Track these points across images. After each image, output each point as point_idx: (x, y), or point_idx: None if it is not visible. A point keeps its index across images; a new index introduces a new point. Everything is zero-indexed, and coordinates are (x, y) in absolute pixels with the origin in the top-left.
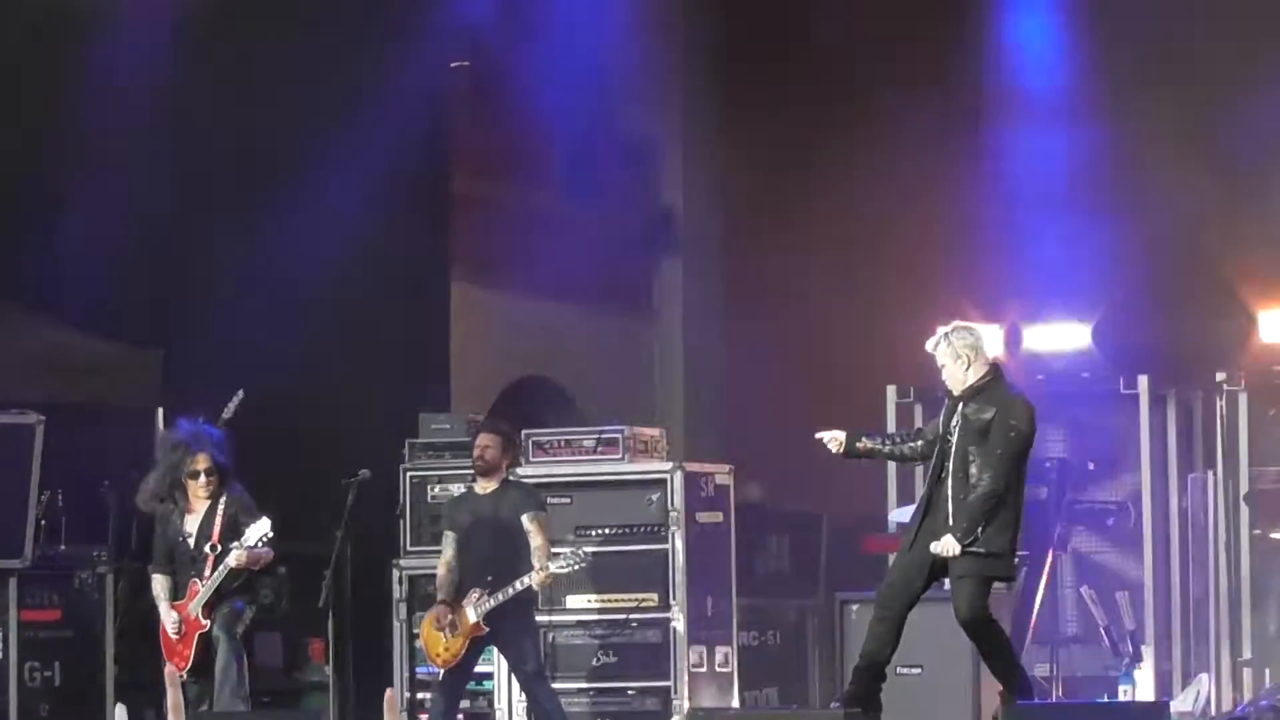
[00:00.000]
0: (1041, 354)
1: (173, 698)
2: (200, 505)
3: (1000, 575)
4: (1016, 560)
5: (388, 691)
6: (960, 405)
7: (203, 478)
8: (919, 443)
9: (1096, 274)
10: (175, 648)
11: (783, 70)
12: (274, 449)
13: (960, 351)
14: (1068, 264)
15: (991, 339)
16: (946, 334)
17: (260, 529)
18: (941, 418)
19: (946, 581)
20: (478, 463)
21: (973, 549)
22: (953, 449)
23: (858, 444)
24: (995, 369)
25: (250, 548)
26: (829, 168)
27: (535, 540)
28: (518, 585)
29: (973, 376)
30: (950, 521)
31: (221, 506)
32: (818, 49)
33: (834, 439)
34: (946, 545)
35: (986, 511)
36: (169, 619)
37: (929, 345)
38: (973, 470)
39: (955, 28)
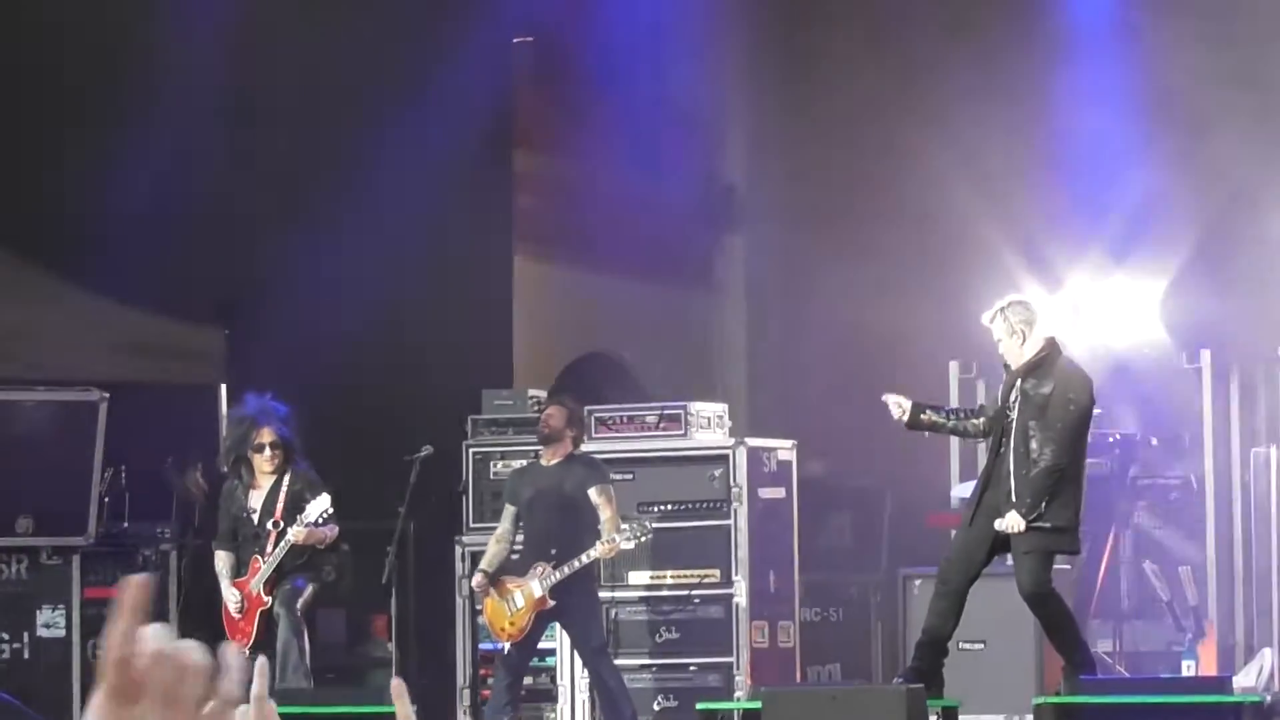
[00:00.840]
0: (1106, 328)
1: (257, 687)
2: (265, 481)
3: (1064, 549)
4: (1079, 534)
5: (394, 680)
6: (1019, 380)
7: (267, 451)
8: (981, 420)
9: (1159, 243)
10: (237, 625)
11: (843, 45)
12: (337, 426)
13: (1015, 326)
14: (1130, 232)
15: (1051, 310)
16: (1002, 308)
17: (320, 505)
18: (1000, 393)
19: (1009, 556)
20: (541, 430)
21: (1037, 524)
22: (1013, 424)
23: (922, 415)
24: (1052, 343)
25: (311, 524)
26: (890, 140)
27: (604, 513)
28: (584, 558)
29: (1029, 351)
30: (1013, 497)
31: (286, 483)
32: (878, 21)
33: (899, 405)
34: (1011, 522)
35: (1049, 487)
36: (230, 596)
37: (984, 319)
38: (1033, 445)
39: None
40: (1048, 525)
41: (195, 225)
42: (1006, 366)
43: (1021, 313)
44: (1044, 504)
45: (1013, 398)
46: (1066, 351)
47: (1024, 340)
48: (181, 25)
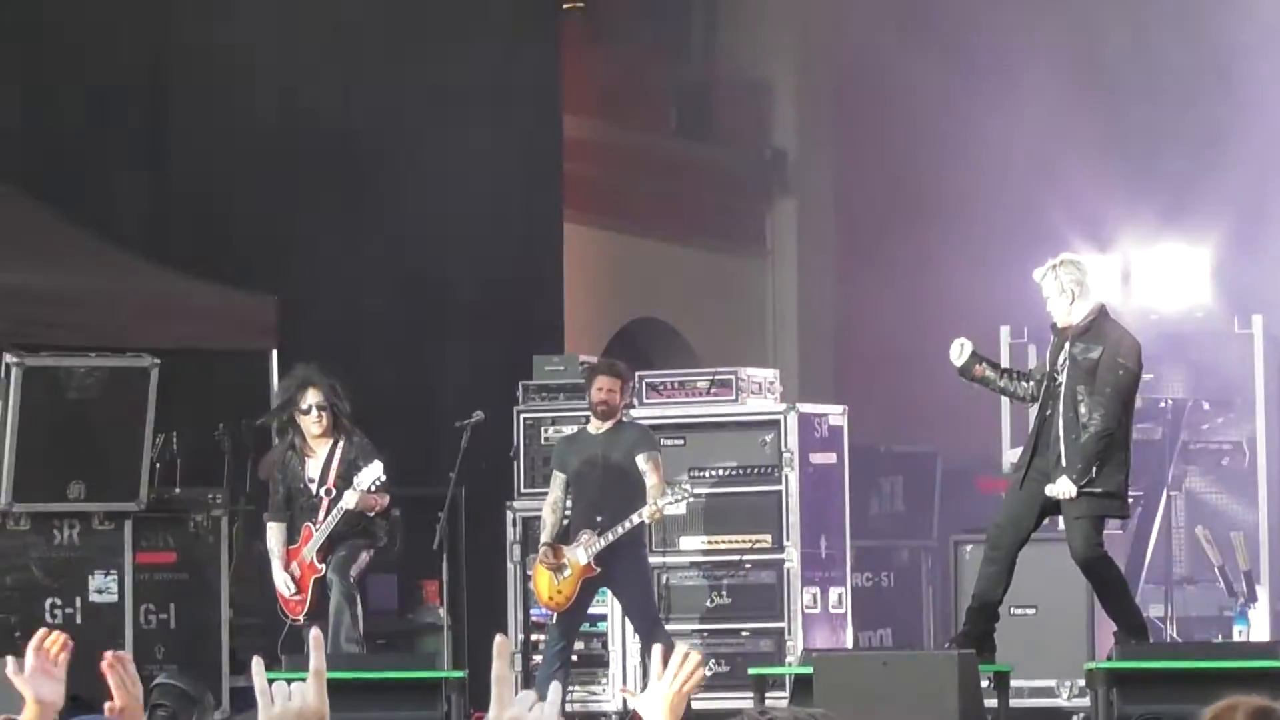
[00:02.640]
0: (1157, 293)
1: (315, 661)
2: (320, 447)
3: (1115, 513)
4: (1130, 499)
5: (498, 637)
6: (1067, 345)
7: (314, 413)
8: (1030, 383)
9: (1209, 207)
10: (289, 600)
11: (896, 13)
12: (388, 392)
13: (1066, 285)
14: (1180, 194)
15: (1101, 274)
16: (1054, 266)
17: (373, 472)
18: (1048, 357)
19: (1059, 520)
20: (600, 407)
21: (1088, 489)
22: (1061, 388)
23: (976, 366)
24: (1101, 307)
25: (364, 490)
26: (940, 108)
27: (651, 479)
28: (628, 524)
29: (1078, 314)
30: (1063, 462)
31: (339, 451)
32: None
33: (960, 345)
34: (1063, 488)
35: (1100, 452)
36: (280, 578)
37: (1036, 275)
38: (1082, 410)
39: None
40: (1099, 490)
41: (246, 192)
42: (1054, 328)
43: (1073, 272)
44: (1094, 469)
45: (1061, 361)
46: (1115, 316)
47: (1073, 299)
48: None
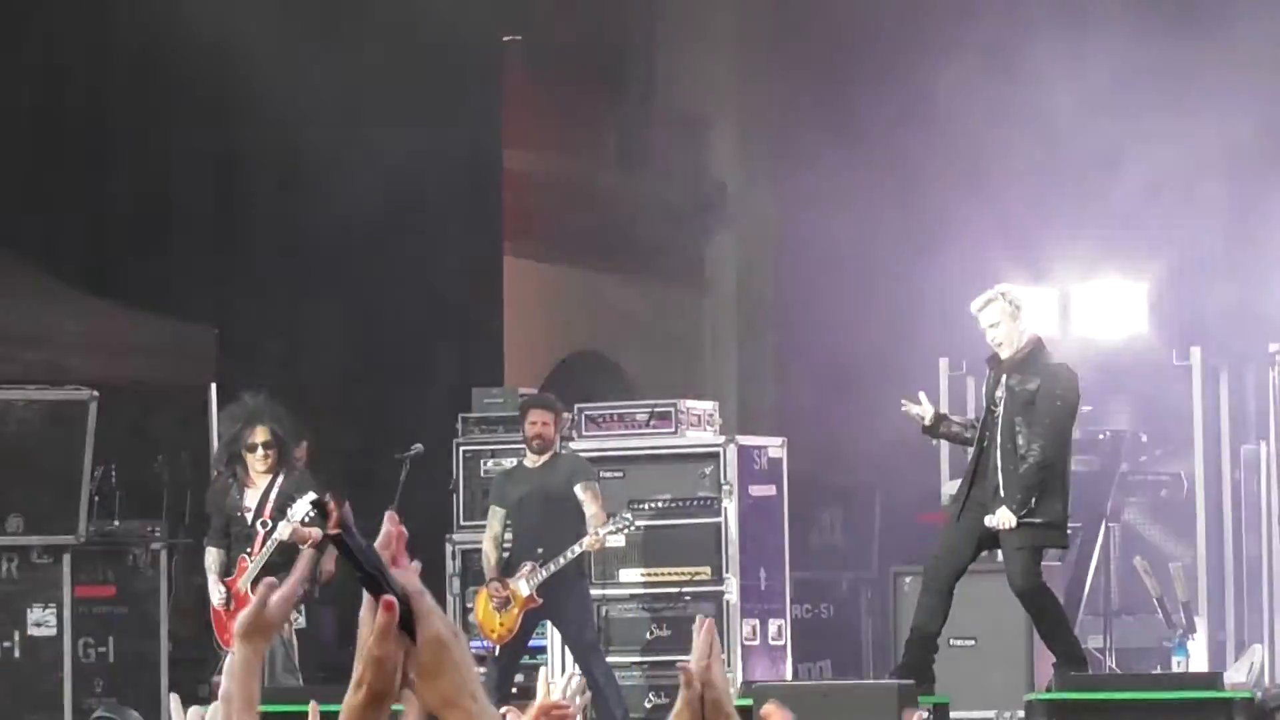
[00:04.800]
0: (1095, 326)
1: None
2: (260, 480)
3: (1054, 544)
4: (1069, 530)
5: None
6: (1004, 377)
7: (260, 451)
8: (980, 426)
9: (1148, 240)
10: (225, 624)
11: (833, 45)
12: (328, 426)
13: (1003, 316)
14: (1118, 229)
15: (1041, 308)
16: (992, 298)
17: (304, 505)
18: (985, 388)
19: (998, 553)
20: (535, 441)
21: (1027, 520)
22: (999, 420)
23: (942, 426)
24: (1037, 339)
25: (297, 523)
26: (879, 140)
27: (590, 509)
28: (569, 554)
29: (1014, 344)
30: (1002, 492)
31: (278, 484)
32: (865, 24)
33: (920, 414)
34: (1002, 518)
35: (1039, 482)
36: (215, 591)
37: (974, 307)
38: (1020, 441)
39: None
40: (1038, 521)
41: (187, 226)
42: (990, 361)
43: (1012, 304)
44: (1033, 500)
45: (998, 394)
46: (1051, 348)
47: (1012, 330)
48: (172, 32)
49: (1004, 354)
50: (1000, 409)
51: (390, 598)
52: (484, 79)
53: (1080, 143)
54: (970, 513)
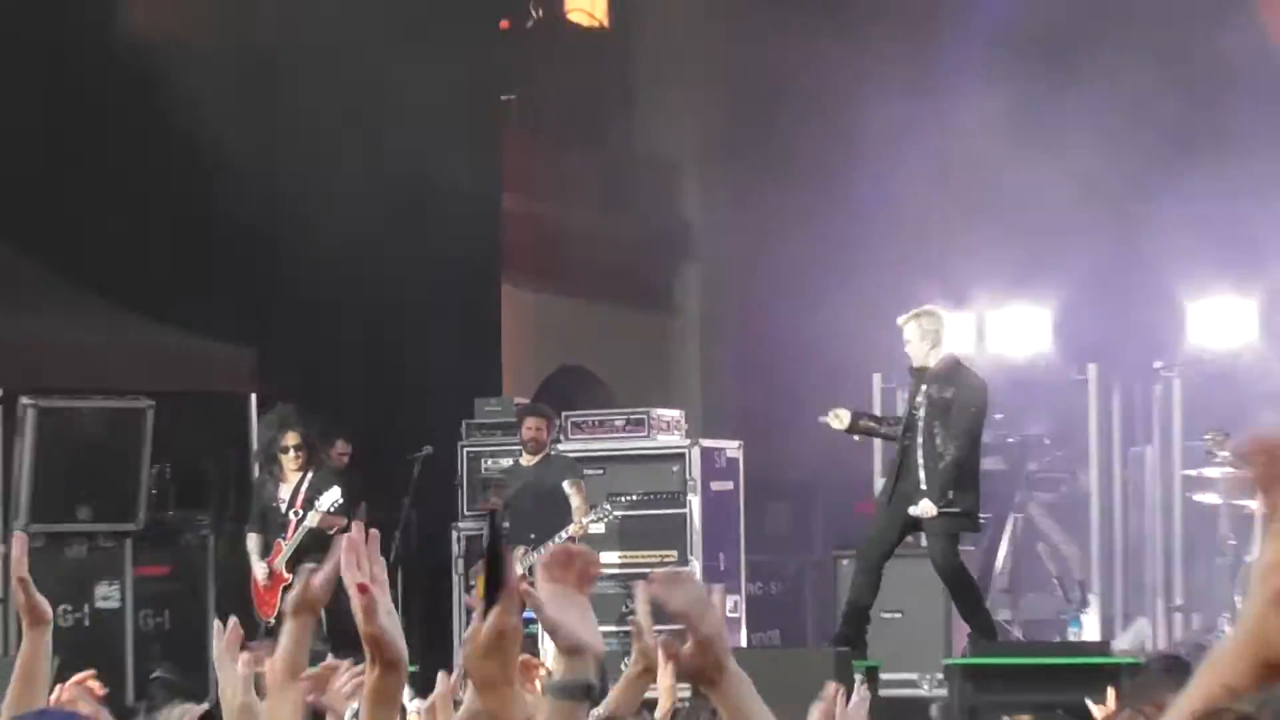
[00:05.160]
0: (1006, 345)
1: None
2: (292, 476)
3: (968, 529)
4: (981, 518)
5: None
6: (924, 386)
7: (291, 453)
8: (901, 427)
9: (1052, 269)
10: (264, 598)
11: (780, 100)
12: (351, 430)
13: (926, 332)
14: (1025, 261)
15: (959, 329)
16: (917, 315)
17: (331, 495)
18: (908, 395)
19: (921, 537)
20: (530, 443)
21: (946, 509)
22: (920, 423)
23: (859, 423)
24: (953, 357)
25: (324, 512)
26: (820, 180)
27: (575, 501)
28: (558, 539)
29: (934, 358)
30: (923, 486)
31: (308, 480)
32: (807, 76)
33: (836, 416)
34: (924, 508)
35: (955, 478)
36: (259, 570)
37: (900, 321)
38: (938, 442)
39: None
40: (955, 510)
41: (229, 259)
42: (911, 370)
43: (933, 322)
44: (950, 492)
45: (918, 399)
46: (967, 362)
47: (931, 345)
48: (194, 71)
49: (915, 364)
50: (921, 414)
51: (364, 582)
52: (486, 132)
53: (991, 183)
54: (896, 503)
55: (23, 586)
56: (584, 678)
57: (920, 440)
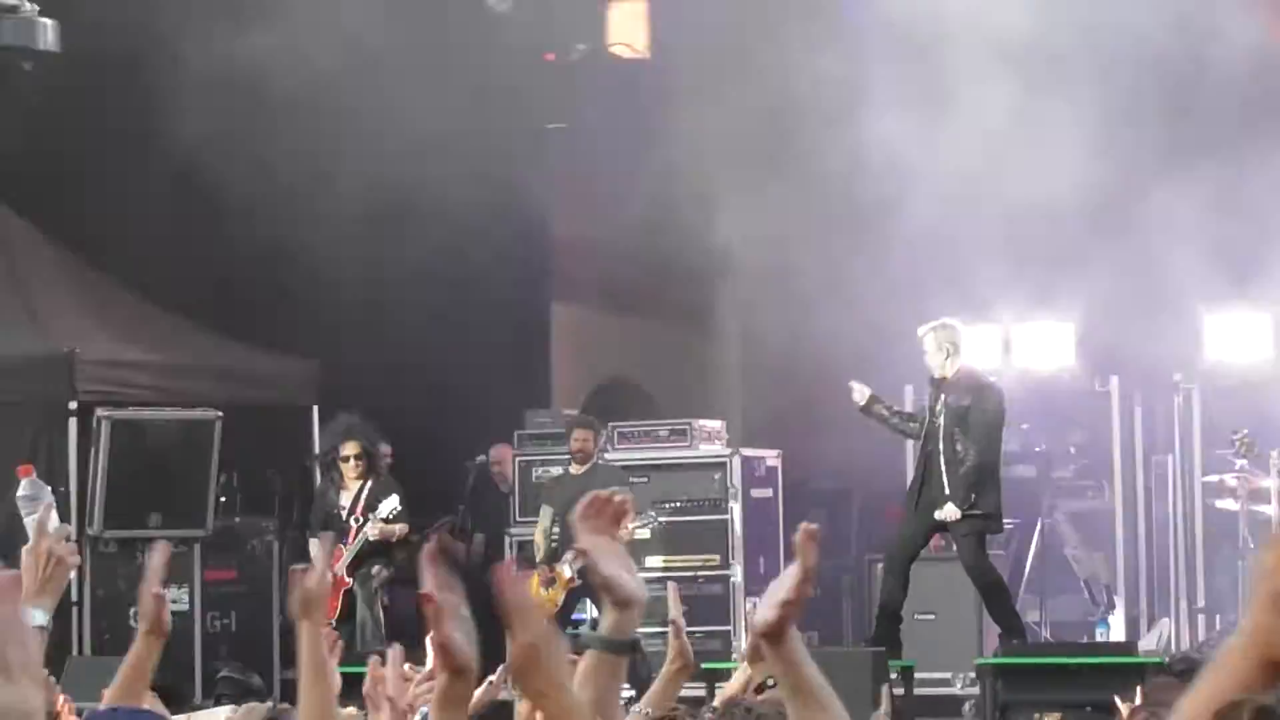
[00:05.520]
0: (1032, 359)
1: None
2: (353, 484)
3: (992, 530)
4: (1003, 518)
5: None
6: (943, 395)
7: (351, 462)
8: (915, 424)
9: (1076, 281)
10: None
11: (809, 124)
12: (409, 441)
13: (943, 344)
14: (1052, 272)
15: (987, 343)
16: (935, 328)
17: (390, 504)
18: (927, 402)
19: (945, 540)
20: (578, 454)
21: (970, 512)
22: (939, 430)
23: (874, 406)
24: (970, 368)
25: (382, 519)
26: (858, 201)
27: None
28: None
29: (951, 368)
30: (947, 491)
31: (368, 488)
32: (843, 92)
33: (860, 390)
34: (949, 513)
35: (976, 482)
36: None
37: (920, 331)
38: (958, 448)
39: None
40: (979, 512)
41: (293, 276)
42: (930, 380)
43: (950, 334)
44: (974, 496)
45: (938, 407)
46: (982, 371)
47: (948, 356)
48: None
49: (934, 374)
50: (941, 421)
51: (428, 592)
52: (537, 160)
53: (1015, 200)
54: (922, 509)
55: (158, 601)
56: (631, 635)
57: (941, 447)
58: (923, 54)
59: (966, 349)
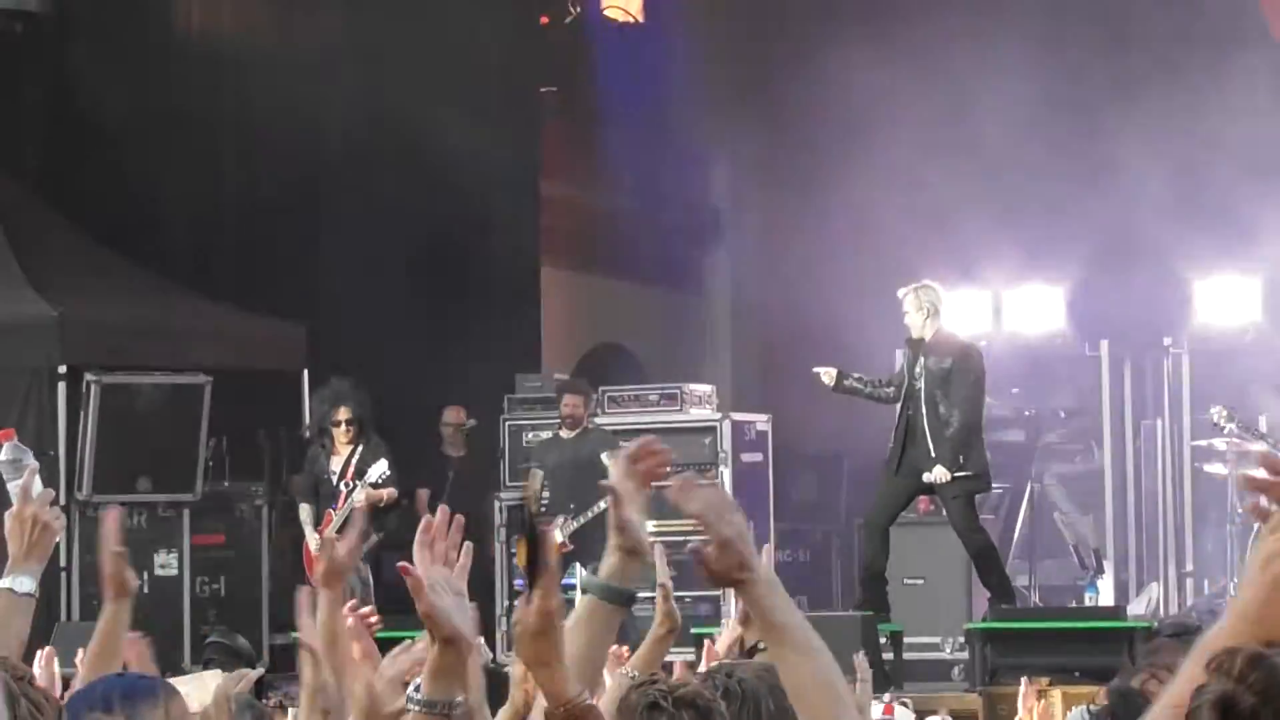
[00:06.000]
0: (1022, 323)
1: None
2: (344, 449)
3: (981, 489)
4: (990, 477)
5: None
6: (922, 357)
7: (343, 426)
8: (890, 389)
9: (1065, 249)
10: (316, 565)
11: (806, 92)
12: (399, 405)
13: (924, 304)
14: (1042, 236)
15: (978, 307)
16: (916, 288)
17: (379, 468)
18: (905, 365)
19: (923, 501)
20: (568, 419)
21: (959, 474)
22: (920, 393)
23: (845, 382)
24: (947, 328)
25: (371, 484)
26: (845, 169)
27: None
28: (594, 510)
29: (929, 329)
30: (933, 453)
31: (359, 453)
32: (828, 73)
33: (827, 373)
34: (939, 474)
35: (963, 442)
36: (313, 539)
37: (900, 292)
38: (942, 410)
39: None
40: (968, 473)
41: (283, 237)
42: (909, 341)
43: (931, 295)
44: (961, 457)
45: (917, 370)
46: (960, 333)
47: (928, 316)
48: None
49: (912, 334)
50: (921, 384)
51: (404, 565)
52: (527, 122)
53: (1007, 166)
54: (905, 472)
55: (117, 559)
56: (632, 588)
57: (924, 409)
58: (922, 22)
59: (946, 311)
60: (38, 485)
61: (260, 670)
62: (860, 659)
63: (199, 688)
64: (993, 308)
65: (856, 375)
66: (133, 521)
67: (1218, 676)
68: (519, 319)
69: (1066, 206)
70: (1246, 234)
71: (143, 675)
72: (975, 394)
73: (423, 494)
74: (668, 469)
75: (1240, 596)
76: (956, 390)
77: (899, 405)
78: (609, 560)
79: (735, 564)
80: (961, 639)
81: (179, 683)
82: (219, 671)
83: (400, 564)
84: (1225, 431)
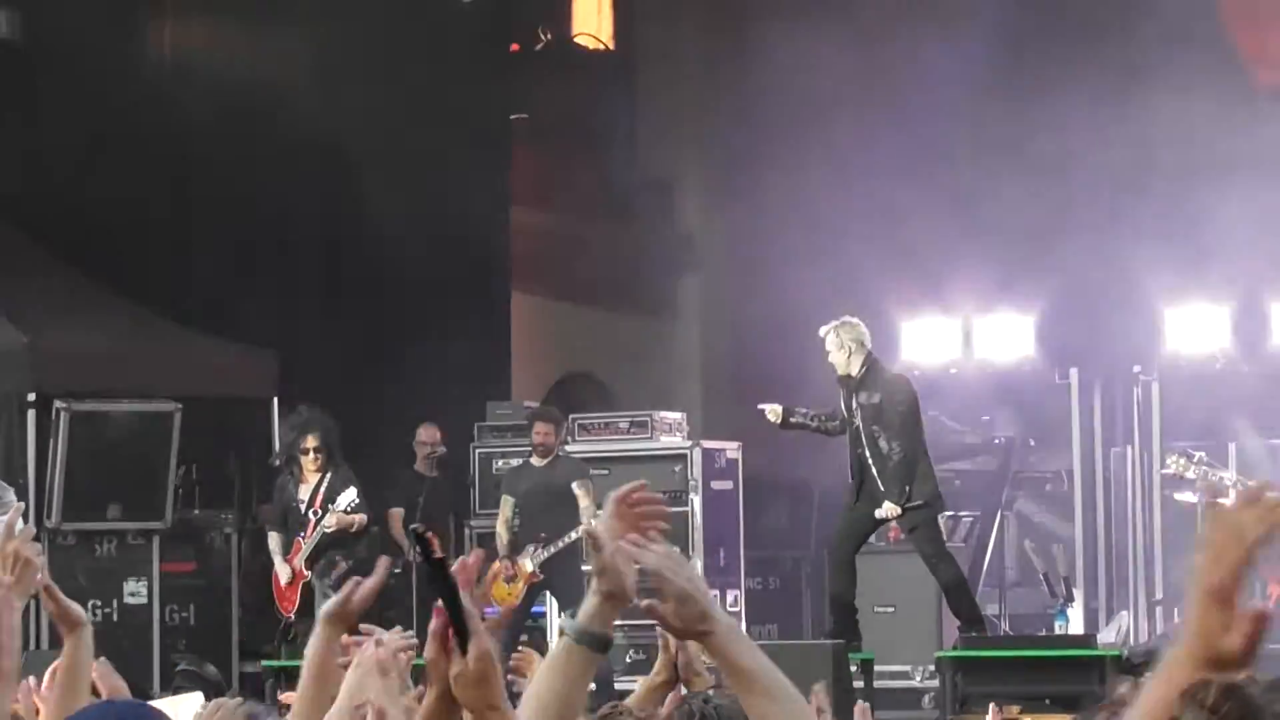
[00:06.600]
0: (992, 350)
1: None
2: (312, 477)
3: (937, 513)
4: (942, 499)
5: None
6: (853, 394)
7: (311, 454)
8: (835, 422)
9: (1036, 273)
10: (285, 594)
11: (774, 125)
12: (371, 433)
13: (844, 342)
14: (1013, 264)
15: (948, 335)
16: (835, 327)
17: (347, 496)
18: (842, 404)
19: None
20: (540, 447)
21: (910, 505)
22: (860, 430)
23: (790, 419)
24: (872, 358)
25: (340, 511)
26: (812, 198)
27: (584, 502)
28: (566, 539)
29: (854, 366)
30: (882, 488)
31: (327, 480)
32: (798, 106)
33: (772, 410)
34: (889, 510)
35: (906, 474)
36: (283, 570)
37: (821, 332)
38: (881, 444)
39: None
40: (917, 503)
41: (253, 267)
42: (839, 380)
43: (852, 332)
44: (907, 488)
45: (853, 407)
46: (884, 362)
47: (850, 354)
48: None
49: (840, 372)
50: (858, 419)
51: (441, 606)
52: (497, 149)
53: (978, 195)
54: (863, 502)
55: (50, 594)
56: (608, 633)
57: (866, 446)
58: (894, 43)
59: (868, 345)
60: (20, 522)
61: (241, 699)
62: (819, 689)
63: (176, 712)
64: (963, 335)
65: (802, 410)
66: (102, 549)
67: (1192, 707)
68: (489, 346)
69: (1037, 234)
70: (1217, 261)
71: (131, 702)
72: (910, 423)
73: (397, 512)
74: (655, 534)
75: (1185, 614)
76: (890, 423)
77: (849, 441)
78: (589, 603)
79: (696, 616)
80: (932, 667)
81: (163, 705)
82: (199, 694)
83: (436, 606)
84: (1190, 475)
